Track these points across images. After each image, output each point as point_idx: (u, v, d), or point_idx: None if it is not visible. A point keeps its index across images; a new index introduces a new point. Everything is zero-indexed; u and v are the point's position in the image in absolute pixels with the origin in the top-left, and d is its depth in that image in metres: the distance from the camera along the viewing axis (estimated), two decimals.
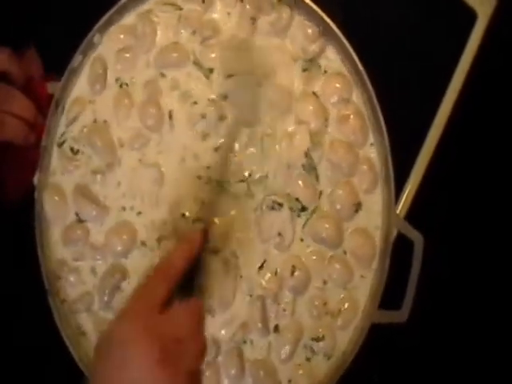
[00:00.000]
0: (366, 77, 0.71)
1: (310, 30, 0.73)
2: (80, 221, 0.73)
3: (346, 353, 0.72)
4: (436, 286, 0.78)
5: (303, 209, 0.72)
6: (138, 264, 0.72)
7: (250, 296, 0.72)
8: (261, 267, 0.72)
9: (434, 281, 0.74)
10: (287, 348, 0.72)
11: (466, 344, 0.80)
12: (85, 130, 0.74)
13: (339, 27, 0.71)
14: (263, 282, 0.72)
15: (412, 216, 0.74)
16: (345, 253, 0.72)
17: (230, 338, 0.72)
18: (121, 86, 0.74)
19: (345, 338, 0.72)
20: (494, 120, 0.81)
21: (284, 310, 0.72)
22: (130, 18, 0.75)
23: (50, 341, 0.71)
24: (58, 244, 0.74)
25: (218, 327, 0.72)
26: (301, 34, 0.73)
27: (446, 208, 0.80)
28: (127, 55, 0.74)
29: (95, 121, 0.74)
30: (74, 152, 0.74)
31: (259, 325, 0.71)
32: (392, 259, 0.70)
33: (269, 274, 0.72)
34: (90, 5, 0.76)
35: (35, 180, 0.72)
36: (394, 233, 0.72)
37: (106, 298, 0.72)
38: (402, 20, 0.82)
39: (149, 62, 0.74)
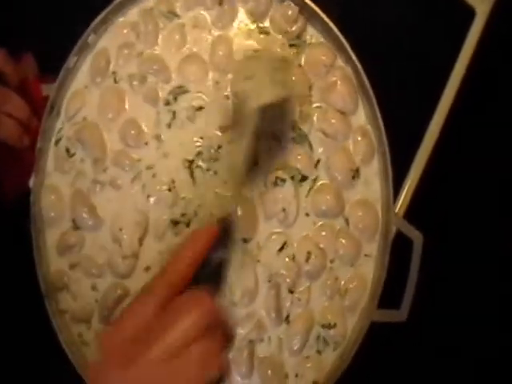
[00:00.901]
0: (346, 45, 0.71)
1: (289, 12, 0.73)
2: (76, 227, 0.73)
3: (351, 340, 0.71)
4: (435, 285, 0.78)
5: (303, 178, 0.72)
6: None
7: (269, 281, 0.71)
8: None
9: (433, 280, 0.74)
10: (298, 339, 0.71)
11: (465, 343, 0.80)
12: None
13: (336, 24, 0.71)
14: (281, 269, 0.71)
15: (411, 215, 0.73)
16: (347, 223, 0.72)
17: (244, 336, 0.71)
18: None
19: (353, 321, 0.72)
20: (493, 117, 0.81)
21: (299, 300, 0.71)
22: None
23: (49, 346, 0.71)
24: (53, 249, 0.73)
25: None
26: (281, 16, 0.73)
27: (445, 206, 0.80)
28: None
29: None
30: (70, 154, 0.73)
31: (273, 315, 0.71)
32: (391, 258, 0.70)
33: (286, 259, 0.71)
34: (85, 5, 0.75)
35: (31, 183, 0.72)
36: (393, 231, 0.71)
37: (106, 313, 0.71)
38: (400, 18, 0.82)
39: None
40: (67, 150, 0.73)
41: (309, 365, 0.72)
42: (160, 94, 0.74)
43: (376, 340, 0.70)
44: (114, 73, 0.74)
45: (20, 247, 0.72)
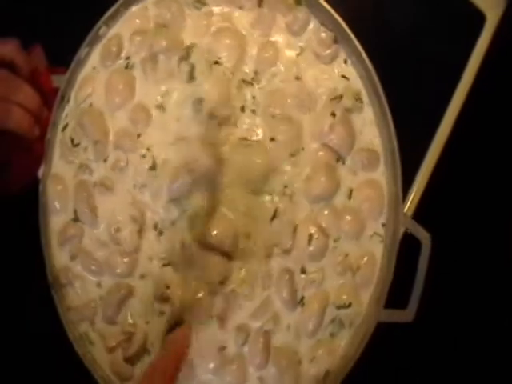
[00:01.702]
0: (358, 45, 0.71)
1: (323, 34, 0.73)
2: (76, 219, 0.72)
3: (365, 320, 0.71)
4: (443, 286, 0.78)
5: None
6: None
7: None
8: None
9: (440, 280, 0.74)
10: (313, 320, 0.71)
11: (472, 344, 0.80)
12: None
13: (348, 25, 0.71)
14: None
15: (419, 215, 0.73)
16: (350, 196, 0.72)
17: (260, 327, 0.71)
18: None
19: (366, 298, 0.72)
20: (502, 120, 0.81)
21: (313, 281, 0.71)
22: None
23: (57, 337, 0.70)
24: (55, 240, 0.73)
25: (249, 315, 0.71)
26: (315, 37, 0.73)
27: (453, 207, 0.80)
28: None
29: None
30: (74, 144, 0.73)
31: (287, 299, 0.71)
32: (399, 258, 0.70)
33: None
34: None
35: (40, 173, 0.71)
36: (402, 231, 0.71)
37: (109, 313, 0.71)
38: (411, 21, 0.83)
39: None
40: (72, 140, 0.73)
41: (321, 351, 0.71)
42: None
43: (383, 340, 0.69)
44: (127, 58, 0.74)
45: (28, 237, 0.71)
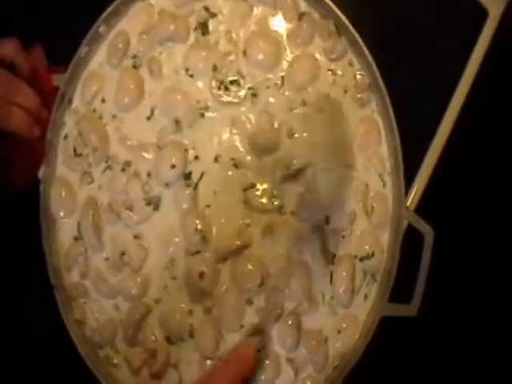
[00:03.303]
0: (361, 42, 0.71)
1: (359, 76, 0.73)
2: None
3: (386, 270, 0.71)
4: (446, 280, 0.78)
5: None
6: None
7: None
8: None
9: (444, 274, 0.74)
10: (344, 275, 0.71)
11: (476, 337, 0.80)
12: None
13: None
14: None
15: (422, 209, 0.73)
16: None
17: (292, 311, 0.71)
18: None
19: (385, 241, 0.72)
20: (504, 116, 0.81)
21: (343, 237, 0.72)
22: None
23: (57, 337, 0.70)
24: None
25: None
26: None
27: (456, 201, 0.80)
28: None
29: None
30: (77, 154, 0.73)
31: (319, 254, 0.71)
32: (402, 253, 0.70)
33: None
34: None
35: (40, 174, 0.71)
36: (405, 225, 0.71)
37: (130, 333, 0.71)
38: (413, 17, 0.82)
39: None
40: (74, 150, 0.73)
41: (344, 325, 0.71)
42: None
43: (386, 334, 0.69)
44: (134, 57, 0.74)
45: (29, 238, 0.72)
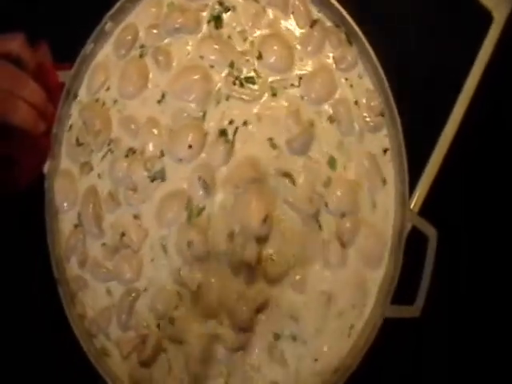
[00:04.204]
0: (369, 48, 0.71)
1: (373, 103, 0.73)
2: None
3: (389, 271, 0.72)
4: (450, 281, 0.78)
5: None
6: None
7: None
8: None
9: (447, 276, 0.74)
10: None
11: (479, 339, 0.80)
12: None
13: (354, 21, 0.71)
14: None
15: (426, 211, 0.73)
16: None
17: None
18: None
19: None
20: (508, 120, 0.81)
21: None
22: None
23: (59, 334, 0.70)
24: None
25: None
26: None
27: (460, 203, 0.80)
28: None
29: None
30: (79, 143, 0.73)
31: None
32: (405, 254, 0.70)
33: None
34: None
35: (45, 168, 0.71)
36: (408, 227, 0.71)
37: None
38: (417, 20, 0.82)
39: None
40: (77, 140, 0.73)
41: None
42: None
43: (390, 336, 0.69)
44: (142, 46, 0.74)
45: (33, 232, 0.72)
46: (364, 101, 0.73)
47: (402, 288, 0.70)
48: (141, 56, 0.74)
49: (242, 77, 0.73)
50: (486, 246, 0.80)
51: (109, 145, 0.73)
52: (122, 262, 0.72)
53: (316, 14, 0.74)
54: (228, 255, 0.70)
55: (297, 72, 0.73)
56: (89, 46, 0.73)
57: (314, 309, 0.72)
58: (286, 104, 0.73)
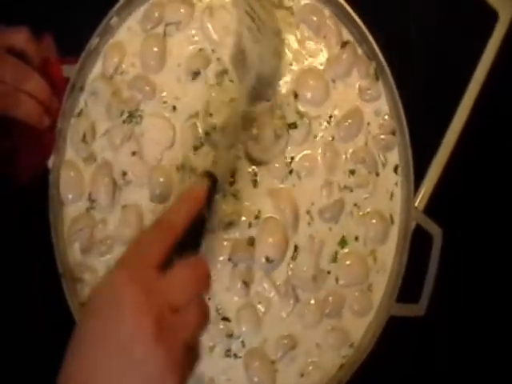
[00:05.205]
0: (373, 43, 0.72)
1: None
2: (90, 207, 0.72)
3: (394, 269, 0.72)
4: (454, 280, 0.78)
5: None
6: None
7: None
8: None
9: (452, 274, 0.74)
10: None
11: (483, 338, 0.80)
12: None
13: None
14: None
15: (431, 209, 0.73)
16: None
17: None
18: None
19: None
20: None
21: None
22: None
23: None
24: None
25: None
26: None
27: (465, 201, 0.80)
28: None
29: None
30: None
31: None
32: (410, 253, 0.70)
33: None
34: None
35: (50, 163, 0.71)
36: (413, 226, 0.71)
37: None
38: (422, 19, 0.82)
39: None
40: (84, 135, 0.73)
41: None
42: None
43: (394, 334, 0.69)
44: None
45: (36, 228, 0.71)
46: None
47: (407, 286, 0.70)
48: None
49: None
50: (491, 244, 0.80)
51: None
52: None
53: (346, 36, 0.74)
54: None
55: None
56: (94, 41, 0.72)
57: None
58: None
